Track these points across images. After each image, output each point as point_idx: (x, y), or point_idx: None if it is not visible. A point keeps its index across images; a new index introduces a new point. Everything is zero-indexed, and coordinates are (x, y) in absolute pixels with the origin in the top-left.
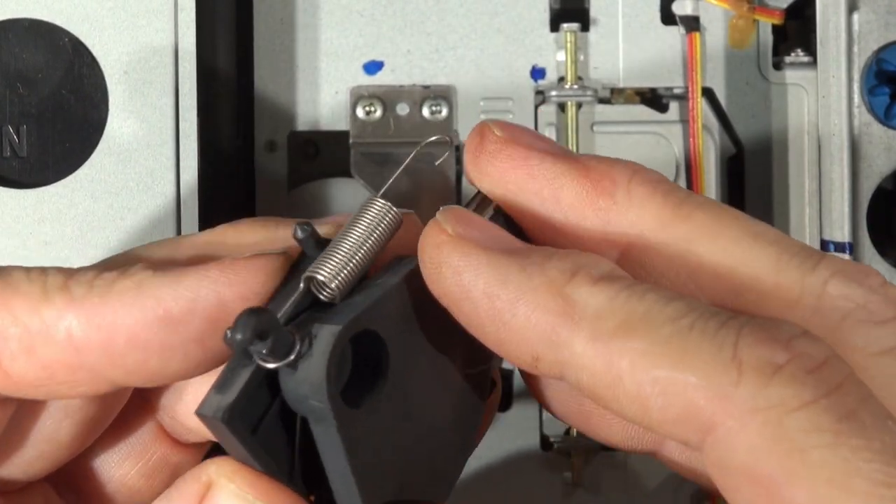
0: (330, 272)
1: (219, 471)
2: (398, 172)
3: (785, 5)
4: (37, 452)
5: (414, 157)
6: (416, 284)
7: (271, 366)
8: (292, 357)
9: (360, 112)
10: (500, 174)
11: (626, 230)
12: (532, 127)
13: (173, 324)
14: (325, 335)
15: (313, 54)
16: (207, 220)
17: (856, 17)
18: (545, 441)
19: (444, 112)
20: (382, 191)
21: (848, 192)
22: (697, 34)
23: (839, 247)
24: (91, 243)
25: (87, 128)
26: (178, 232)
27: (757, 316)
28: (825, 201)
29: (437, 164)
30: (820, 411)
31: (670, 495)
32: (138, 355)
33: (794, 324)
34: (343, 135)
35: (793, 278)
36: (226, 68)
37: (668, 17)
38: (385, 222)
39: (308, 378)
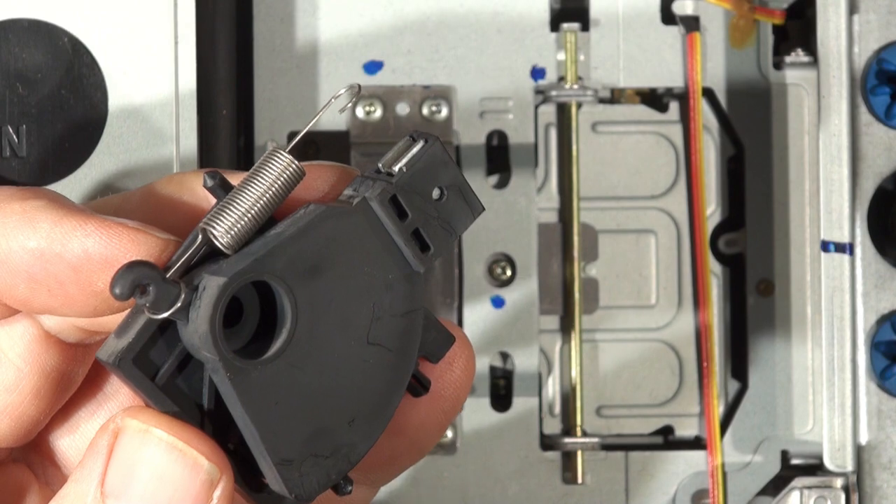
0: (224, 223)
1: (125, 414)
2: (310, 124)
3: (785, 5)
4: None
5: (323, 109)
6: (323, 231)
7: (157, 317)
8: (176, 307)
9: (360, 112)
10: None
11: None
12: (532, 127)
13: (41, 259)
14: (212, 286)
15: (313, 54)
16: None
17: (856, 17)
18: (545, 441)
19: (444, 112)
20: (291, 145)
21: (848, 192)
22: (697, 34)
23: (839, 247)
24: None
25: (87, 128)
26: None
27: None
28: (825, 201)
29: (339, 112)
30: None
31: (670, 495)
32: (7, 278)
33: None
34: (343, 135)
35: None
36: (226, 68)
37: (668, 17)
38: (286, 174)
39: (197, 329)
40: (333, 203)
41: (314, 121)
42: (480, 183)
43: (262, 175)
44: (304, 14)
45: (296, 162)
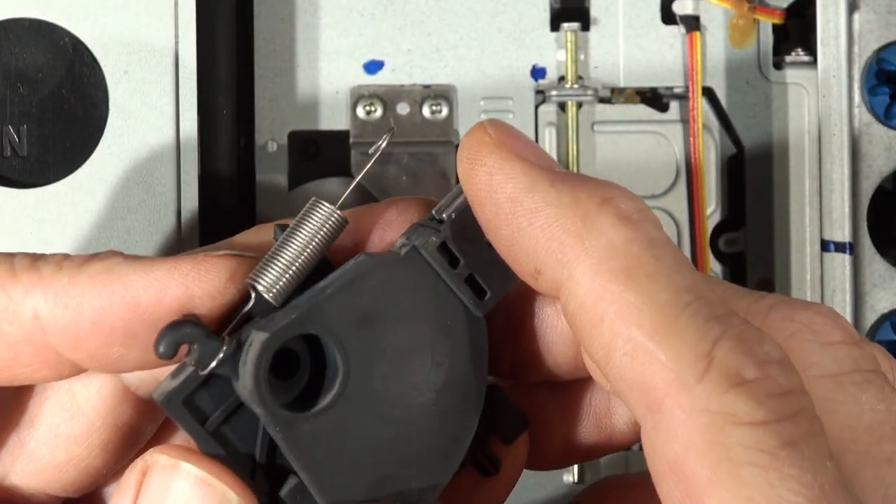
0: (268, 278)
1: (153, 451)
2: (357, 179)
3: (785, 5)
4: (67, 456)
5: (371, 165)
6: (372, 282)
7: (203, 372)
8: (219, 359)
9: (360, 112)
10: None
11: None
12: (532, 127)
13: (140, 311)
14: (256, 342)
15: (313, 54)
16: (207, 220)
17: (856, 16)
18: None
19: (445, 112)
20: (342, 199)
21: (848, 192)
22: (697, 34)
23: (839, 247)
24: (91, 243)
25: (87, 128)
26: (179, 232)
27: (750, 323)
28: (825, 201)
29: (370, 151)
30: (765, 433)
31: None
32: (102, 339)
33: (778, 346)
34: (343, 135)
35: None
36: (226, 68)
37: (668, 17)
38: (328, 224)
39: (244, 384)
40: (384, 253)
41: (360, 176)
42: None
43: (304, 227)
44: (304, 14)
45: (337, 212)
